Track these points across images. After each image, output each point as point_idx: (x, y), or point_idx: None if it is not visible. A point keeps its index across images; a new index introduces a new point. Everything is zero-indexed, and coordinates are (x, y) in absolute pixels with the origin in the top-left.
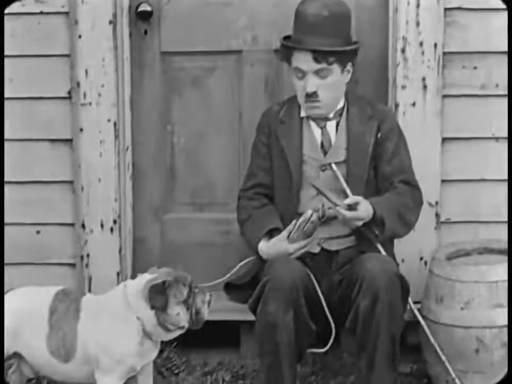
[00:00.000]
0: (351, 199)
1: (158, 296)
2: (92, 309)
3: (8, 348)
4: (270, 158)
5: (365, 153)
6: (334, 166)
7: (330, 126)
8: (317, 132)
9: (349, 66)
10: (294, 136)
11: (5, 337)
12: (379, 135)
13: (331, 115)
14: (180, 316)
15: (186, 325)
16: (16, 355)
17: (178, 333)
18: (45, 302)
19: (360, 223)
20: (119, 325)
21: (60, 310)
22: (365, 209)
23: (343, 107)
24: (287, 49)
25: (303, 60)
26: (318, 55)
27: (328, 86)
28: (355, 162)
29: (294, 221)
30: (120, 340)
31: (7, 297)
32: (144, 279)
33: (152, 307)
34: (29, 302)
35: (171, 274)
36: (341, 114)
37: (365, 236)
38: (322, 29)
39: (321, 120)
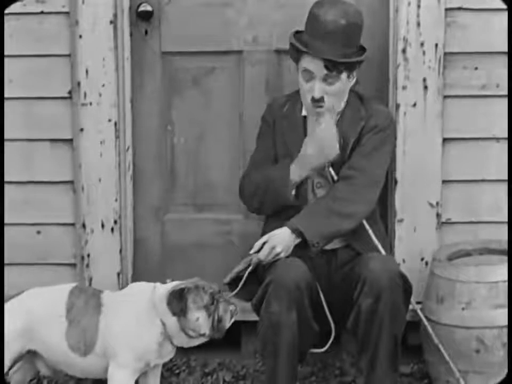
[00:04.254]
0: (256, 244)
1: (176, 301)
2: (114, 304)
3: (23, 347)
4: (274, 149)
5: (345, 152)
6: (325, 167)
7: None
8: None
9: (354, 73)
10: (297, 131)
11: (18, 337)
12: (362, 131)
13: None
14: (199, 321)
15: (207, 332)
16: (30, 353)
17: (200, 340)
18: (60, 299)
19: (279, 248)
20: (143, 323)
21: (77, 305)
22: (273, 236)
23: (343, 109)
24: (297, 50)
25: (313, 64)
26: (330, 64)
27: (334, 92)
28: (339, 161)
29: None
30: (143, 337)
31: (21, 298)
32: (171, 285)
33: (173, 313)
34: (44, 301)
35: (195, 282)
36: (338, 116)
37: (360, 235)
38: (338, 37)
39: None
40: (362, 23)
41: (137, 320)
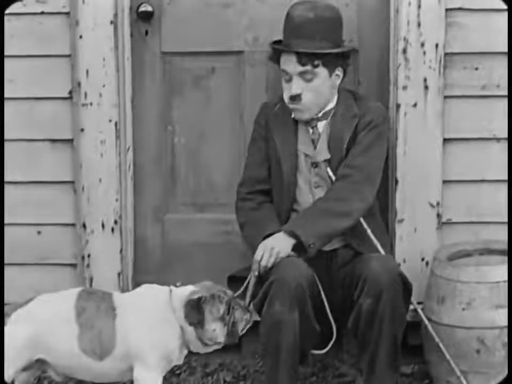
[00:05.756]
0: (256, 258)
1: (193, 312)
2: (130, 306)
3: (31, 356)
4: (266, 151)
5: (341, 150)
6: (323, 166)
7: (321, 125)
8: (309, 129)
9: (338, 71)
10: (288, 131)
11: (25, 347)
12: (357, 129)
13: (319, 115)
14: (216, 332)
15: (223, 340)
16: (39, 361)
17: (215, 347)
18: (68, 303)
19: (277, 248)
20: (164, 323)
21: (88, 309)
22: (268, 242)
23: (334, 107)
24: (275, 51)
25: (288, 62)
26: (302, 57)
27: (312, 89)
28: (335, 160)
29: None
30: (166, 336)
31: (26, 308)
32: (187, 290)
33: (190, 323)
34: (50, 307)
35: (211, 289)
36: (330, 115)
37: (359, 234)
38: (307, 31)
39: (311, 120)
40: (335, 17)
41: (158, 321)
